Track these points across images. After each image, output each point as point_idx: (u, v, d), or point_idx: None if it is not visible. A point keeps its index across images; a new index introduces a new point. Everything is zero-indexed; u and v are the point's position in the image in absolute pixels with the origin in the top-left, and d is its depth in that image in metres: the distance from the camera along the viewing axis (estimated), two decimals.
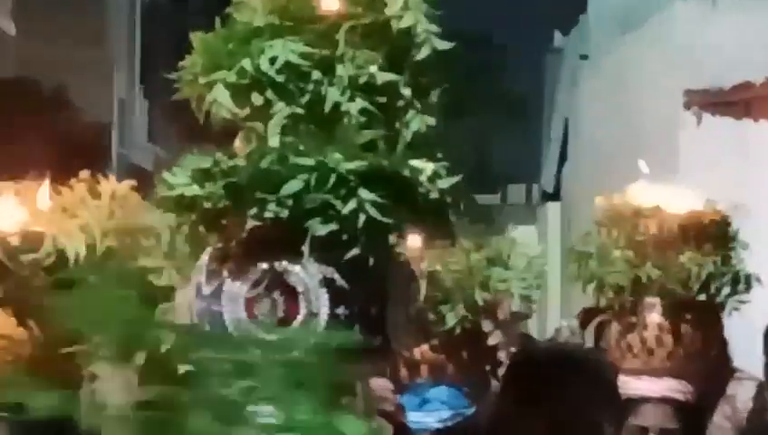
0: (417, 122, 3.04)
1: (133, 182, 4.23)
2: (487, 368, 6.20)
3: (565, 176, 16.71)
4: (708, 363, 5.05)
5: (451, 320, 5.96)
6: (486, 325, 6.05)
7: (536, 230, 17.79)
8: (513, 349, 6.12)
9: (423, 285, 4.89)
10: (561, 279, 11.74)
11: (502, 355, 5.94)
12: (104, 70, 25.76)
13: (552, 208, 18.38)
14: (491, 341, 6.13)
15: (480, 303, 6.07)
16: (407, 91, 3.02)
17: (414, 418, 5.53)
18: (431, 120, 3.06)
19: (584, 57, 12.84)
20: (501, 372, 5.82)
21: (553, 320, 11.64)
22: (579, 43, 13.76)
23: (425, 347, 5.85)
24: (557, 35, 16.55)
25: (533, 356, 4.72)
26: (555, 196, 17.93)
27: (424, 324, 5.56)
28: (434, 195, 3.02)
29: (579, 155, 14.28)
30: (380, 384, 5.34)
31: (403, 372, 5.71)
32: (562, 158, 16.51)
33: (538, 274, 5.90)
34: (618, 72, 10.62)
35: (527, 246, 6.77)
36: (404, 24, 3.02)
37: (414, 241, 4.00)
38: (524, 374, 4.27)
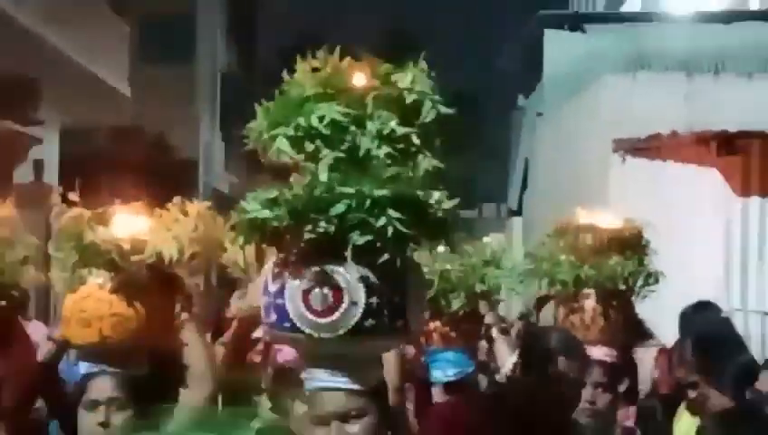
0: (425, 163, 3.07)
1: (209, 203, 4.34)
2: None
3: (525, 198, 16.75)
4: (628, 335, 5.22)
5: (456, 305, 6.05)
6: (483, 308, 6.10)
7: (504, 237, 17.85)
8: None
9: (434, 281, 5.31)
10: None
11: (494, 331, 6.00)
12: (193, 120, 25.74)
13: (516, 222, 18.51)
14: (486, 320, 6.23)
15: (478, 292, 6.18)
16: (417, 141, 3.05)
17: (430, 373, 5.65)
18: (436, 162, 3.09)
19: (540, 114, 12.82)
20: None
21: (517, 306, 11.60)
22: (536, 103, 13.73)
23: (438, 323, 5.94)
24: (520, 97, 16.61)
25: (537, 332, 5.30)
26: (518, 212, 18.07)
27: (437, 308, 5.77)
28: (440, 214, 3.06)
29: (535, 184, 14.29)
30: (409, 351, 5.39)
31: (422, 341, 5.72)
32: (524, 185, 16.52)
33: (522, 272, 5.96)
34: (564, 124, 10.62)
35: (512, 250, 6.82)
36: (412, 97, 3.07)
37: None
38: (534, 344, 4.79)
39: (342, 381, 3.06)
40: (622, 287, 5.01)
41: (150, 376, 4.03)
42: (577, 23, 10.57)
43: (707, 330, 6.13)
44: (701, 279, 7.53)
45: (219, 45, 31.78)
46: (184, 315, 4.05)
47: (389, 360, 4.02)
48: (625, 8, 21.34)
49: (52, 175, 18.86)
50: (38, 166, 18.12)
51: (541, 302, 5.79)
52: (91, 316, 4.02)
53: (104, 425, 3.86)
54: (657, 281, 5.21)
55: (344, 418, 3.05)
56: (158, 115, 21.45)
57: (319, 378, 3.11)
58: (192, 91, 28.83)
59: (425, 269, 5.26)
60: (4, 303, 4.44)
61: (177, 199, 4.28)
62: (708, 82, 8.39)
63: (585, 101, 9.18)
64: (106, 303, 4.02)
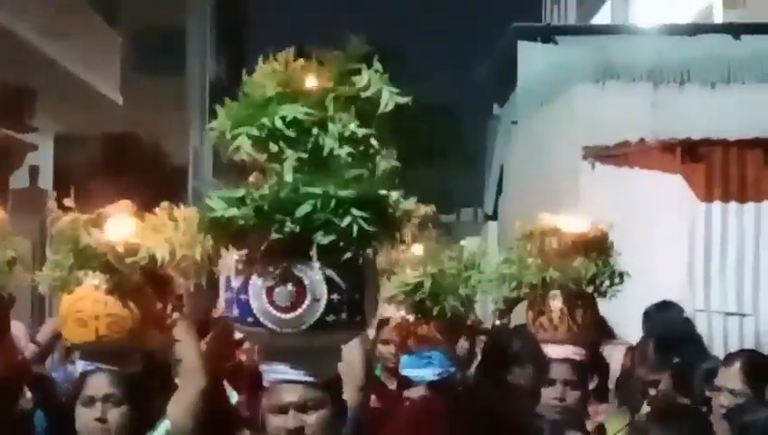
0: (383, 164, 3.10)
1: (197, 208, 4.30)
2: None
3: (500, 203, 16.77)
4: (595, 334, 5.28)
5: (448, 308, 5.65)
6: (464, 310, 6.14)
7: (480, 241, 17.92)
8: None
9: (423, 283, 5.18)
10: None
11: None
12: (183, 126, 25.71)
13: (492, 226, 18.58)
14: (468, 322, 6.22)
15: (462, 295, 6.06)
16: (375, 143, 3.06)
17: (415, 372, 5.45)
18: (394, 163, 3.15)
19: (515, 122, 12.83)
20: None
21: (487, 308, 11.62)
22: (510, 112, 13.75)
23: (426, 326, 5.56)
24: (495, 106, 16.64)
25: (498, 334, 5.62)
26: (494, 217, 18.13)
27: (423, 310, 5.52)
28: (399, 214, 3.12)
29: (509, 189, 14.30)
30: (384, 350, 5.72)
31: (411, 341, 5.49)
32: (499, 191, 16.56)
33: (497, 277, 5.95)
34: (537, 132, 10.63)
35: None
36: (369, 93, 3.08)
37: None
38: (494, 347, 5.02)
39: (301, 374, 3.10)
40: (588, 288, 5.03)
41: (145, 373, 4.05)
42: (549, 34, 10.63)
43: (669, 329, 6.18)
44: (665, 281, 7.57)
45: (209, 56, 31.91)
46: (175, 315, 4.06)
47: (354, 359, 4.02)
48: (595, 21, 21.46)
49: (46, 180, 18.89)
50: (33, 172, 18.13)
51: (509, 304, 5.82)
52: (87, 316, 4.03)
53: (101, 420, 3.88)
54: (622, 281, 5.20)
55: (302, 408, 3.09)
56: (149, 123, 21.50)
57: (279, 370, 3.14)
58: (182, 100, 28.98)
59: (414, 272, 5.33)
60: None
61: (164, 204, 4.26)
62: (674, 91, 8.46)
63: (556, 110, 9.23)
64: (101, 303, 4.03)
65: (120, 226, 4.12)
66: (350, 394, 3.99)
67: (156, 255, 4.00)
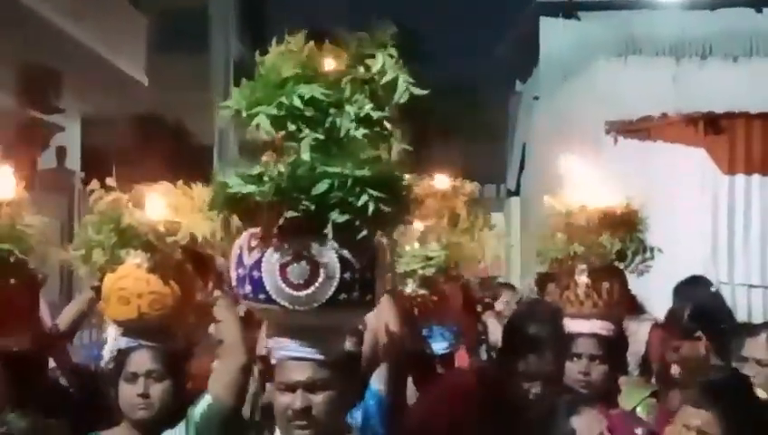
0: (396, 147, 3.13)
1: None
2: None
3: (523, 179, 16.75)
4: (621, 309, 5.10)
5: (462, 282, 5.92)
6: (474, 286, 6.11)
7: (503, 215, 17.93)
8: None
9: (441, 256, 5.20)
10: (520, 251, 11.70)
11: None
12: (208, 107, 25.57)
13: (515, 201, 18.59)
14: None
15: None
16: (389, 125, 3.08)
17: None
18: (406, 146, 3.17)
19: (536, 98, 12.81)
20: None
21: (515, 280, 11.61)
22: (533, 88, 13.72)
23: (436, 300, 5.45)
24: (517, 82, 16.60)
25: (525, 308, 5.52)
26: (516, 193, 18.13)
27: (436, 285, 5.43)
28: (411, 195, 3.17)
29: (532, 166, 14.27)
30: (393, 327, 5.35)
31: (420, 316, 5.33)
32: (521, 167, 16.53)
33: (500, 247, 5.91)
34: (559, 108, 10.60)
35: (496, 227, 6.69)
36: (386, 79, 3.07)
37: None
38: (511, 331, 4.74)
39: (310, 352, 3.09)
40: (619, 263, 5.00)
41: (186, 349, 4.20)
42: (571, 10, 10.57)
43: (700, 303, 6.16)
44: (688, 254, 7.53)
45: (232, 35, 31.85)
46: (216, 292, 4.07)
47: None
48: None
49: (74, 161, 18.94)
50: (61, 152, 18.18)
51: (542, 278, 5.81)
52: (129, 294, 4.12)
53: (144, 396, 3.93)
54: (653, 256, 5.15)
55: (310, 388, 3.08)
56: (174, 103, 21.56)
57: (288, 347, 3.13)
58: (207, 80, 28.92)
59: (431, 246, 5.28)
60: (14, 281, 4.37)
61: (199, 184, 4.33)
62: (695, 65, 8.41)
63: (579, 85, 9.19)
64: (143, 281, 4.12)
65: (161, 205, 4.21)
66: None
67: (196, 233, 4.05)
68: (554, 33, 10.06)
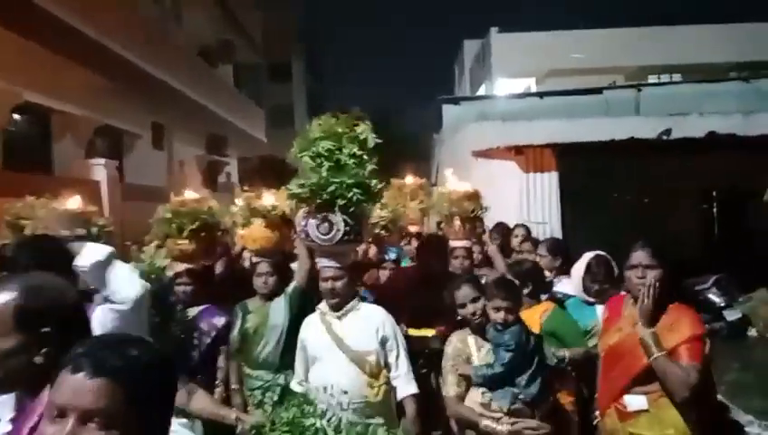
0: (369, 167, 3.03)
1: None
2: None
3: (438, 178, 16.24)
4: (473, 234, 4.50)
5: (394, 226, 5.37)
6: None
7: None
8: None
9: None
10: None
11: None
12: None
13: (435, 189, 17.65)
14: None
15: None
16: (366, 157, 3.02)
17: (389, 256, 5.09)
18: (373, 167, 3.05)
19: (441, 141, 12.34)
20: None
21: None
22: (442, 135, 13.23)
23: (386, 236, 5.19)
24: (434, 134, 16.42)
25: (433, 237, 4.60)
26: (434, 185, 17.25)
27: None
28: (377, 190, 3.07)
29: (440, 173, 13.77)
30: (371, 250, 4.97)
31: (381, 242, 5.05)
32: (437, 172, 16.02)
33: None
34: (452, 145, 10.26)
35: None
36: (363, 135, 3.02)
37: None
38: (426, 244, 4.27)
39: (333, 262, 3.08)
40: (470, 215, 4.39)
41: (284, 261, 3.92)
42: (456, 100, 10.42)
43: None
44: (505, 211, 7.10)
45: (306, 117, 31.24)
46: (294, 236, 3.83)
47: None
48: (479, 93, 21.06)
49: (233, 177, 18.90)
50: (228, 176, 18.17)
51: (438, 224, 5.22)
52: (257, 236, 4.08)
53: (264, 282, 3.74)
54: (486, 210, 4.53)
55: (335, 279, 3.05)
56: (277, 150, 21.22)
57: (323, 262, 3.11)
58: (293, 137, 28.60)
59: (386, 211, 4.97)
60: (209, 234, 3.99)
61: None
62: (519, 124, 8.19)
63: (461, 134, 9.05)
64: (263, 230, 4.09)
65: (270, 198, 4.18)
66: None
67: (285, 210, 4.02)
68: (448, 112, 9.90)
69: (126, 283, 1.82)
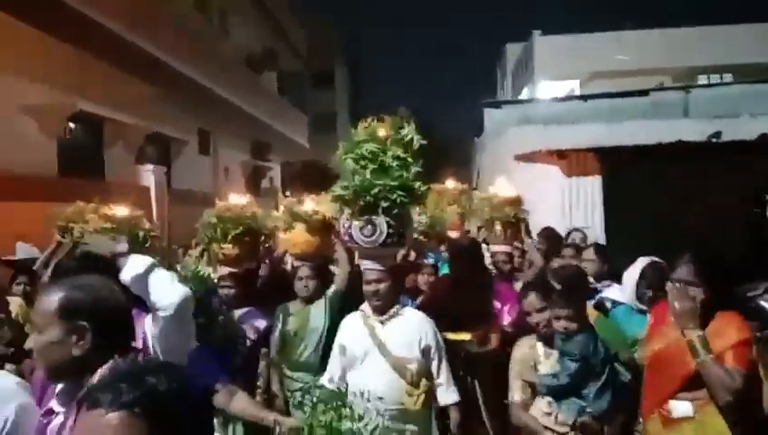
0: (413, 169, 3.00)
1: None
2: None
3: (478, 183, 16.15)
4: (516, 239, 4.56)
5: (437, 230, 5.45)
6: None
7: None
8: None
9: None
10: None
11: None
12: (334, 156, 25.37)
13: (475, 193, 17.49)
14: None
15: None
16: (410, 160, 3.01)
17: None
18: (418, 168, 3.02)
19: (482, 145, 12.19)
20: None
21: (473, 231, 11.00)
22: (482, 139, 12.96)
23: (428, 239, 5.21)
24: (476, 137, 15.79)
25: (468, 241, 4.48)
26: (475, 189, 17.05)
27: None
28: (420, 193, 3.03)
29: (482, 177, 13.66)
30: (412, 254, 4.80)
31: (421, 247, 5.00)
32: (478, 176, 15.86)
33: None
34: (493, 150, 10.22)
35: None
36: (408, 137, 3.02)
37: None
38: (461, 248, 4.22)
39: (376, 265, 3.05)
40: (511, 220, 4.42)
41: (324, 265, 4.01)
42: (498, 104, 10.33)
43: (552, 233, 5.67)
44: (546, 215, 7.02)
45: (348, 121, 31.43)
46: (335, 239, 3.94)
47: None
48: (522, 96, 20.86)
49: (276, 182, 19.15)
50: (271, 181, 18.42)
51: (477, 229, 4.99)
52: (299, 241, 4.16)
53: (305, 285, 3.78)
54: (528, 212, 4.56)
55: (377, 281, 3.03)
56: (320, 156, 21.46)
57: (366, 264, 3.09)
58: (336, 141, 28.63)
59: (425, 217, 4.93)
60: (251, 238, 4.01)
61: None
62: (562, 128, 8.08)
63: (503, 138, 8.97)
64: (304, 235, 4.15)
65: (310, 203, 4.22)
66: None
67: (326, 215, 4.09)
68: (490, 115, 9.80)
69: (167, 290, 1.90)
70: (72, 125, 8.95)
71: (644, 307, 3.45)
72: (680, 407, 2.51)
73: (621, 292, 3.67)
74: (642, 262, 3.60)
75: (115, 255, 1.99)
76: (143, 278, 1.91)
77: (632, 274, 3.59)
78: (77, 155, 8.90)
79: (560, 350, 2.77)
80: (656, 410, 2.59)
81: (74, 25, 7.44)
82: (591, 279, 4.15)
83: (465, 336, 3.61)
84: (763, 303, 4.93)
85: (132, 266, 1.94)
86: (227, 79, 13.06)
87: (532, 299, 2.97)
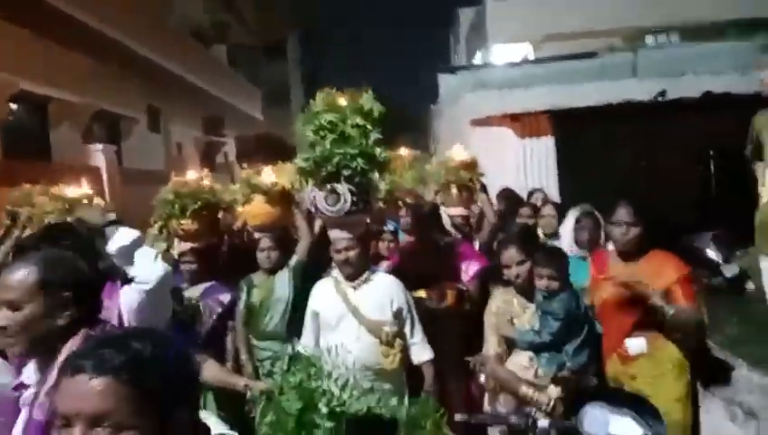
0: (373, 136, 3.00)
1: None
2: None
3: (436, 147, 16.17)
4: (470, 202, 4.60)
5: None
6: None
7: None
8: None
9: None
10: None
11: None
12: (291, 127, 25.09)
13: (433, 159, 17.56)
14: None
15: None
16: (369, 127, 3.00)
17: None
18: (377, 136, 3.02)
19: (439, 111, 12.17)
20: None
21: (430, 194, 11.00)
22: (438, 106, 13.01)
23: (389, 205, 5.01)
24: (431, 104, 16.39)
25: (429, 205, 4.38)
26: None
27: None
28: (382, 160, 3.05)
29: (439, 142, 13.71)
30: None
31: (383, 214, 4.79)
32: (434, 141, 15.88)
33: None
34: (449, 115, 10.20)
35: None
36: (367, 107, 3.00)
37: None
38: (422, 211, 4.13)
39: (345, 234, 3.07)
40: (468, 183, 4.45)
41: (285, 235, 3.98)
42: (452, 70, 10.30)
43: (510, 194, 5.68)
44: (501, 176, 7.04)
45: (302, 95, 30.87)
46: (296, 210, 3.95)
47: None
48: (475, 60, 20.85)
49: (231, 156, 18.90)
50: (226, 156, 18.15)
51: (435, 192, 4.91)
52: (257, 212, 4.07)
53: (268, 258, 3.78)
54: (483, 174, 4.59)
55: (347, 248, 3.05)
56: (275, 127, 21.16)
57: (335, 233, 3.10)
58: (291, 115, 28.25)
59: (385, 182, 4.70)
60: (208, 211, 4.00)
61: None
62: (516, 92, 8.11)
63: (459, 104, 8.96)
64: (264, 206, 4.07)
65: (269, 174, 4.17)
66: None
67: (285, 185, 4.05)
68: (445, 81, 9.77)
69: (149, 265, 1.97)
70: (14, 106, 8.61)
71: (584, 254, 3.60)
72: (635, 345, 2.72)
73: (560, 243, 3.81)
74: (573, 212, 3.83)
75: (106, 224, 2.04)
76: (129, 250, 1.95)
77: (567, 224, 3.82)
78: (21, 137, 8.61)
79: (541, 308, 2.77)
80: (613, 352, 2.79)
81: (11, 1, 7.10)
82: (545, 234, 4.32)
83: (421, 294, 3.63)
84: (708, 252, 5.19)
85: (120, 238, 2.00)
86: (175, 53, 12.71)
87: (512, 253, 2.93)
